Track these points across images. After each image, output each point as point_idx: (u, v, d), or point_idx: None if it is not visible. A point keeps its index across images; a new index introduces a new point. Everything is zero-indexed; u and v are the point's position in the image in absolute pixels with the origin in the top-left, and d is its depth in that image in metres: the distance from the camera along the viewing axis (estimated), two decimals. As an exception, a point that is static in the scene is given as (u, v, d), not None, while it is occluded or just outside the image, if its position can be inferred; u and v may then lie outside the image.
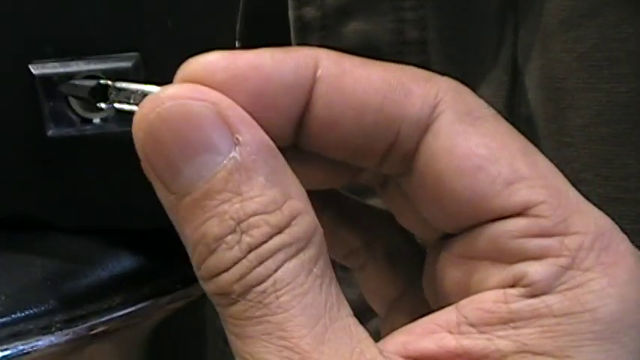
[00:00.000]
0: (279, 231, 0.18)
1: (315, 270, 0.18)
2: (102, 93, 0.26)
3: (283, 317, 0.18)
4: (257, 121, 0.19)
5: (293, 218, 0.19)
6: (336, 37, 0.33)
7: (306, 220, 0.19)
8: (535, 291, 0.19)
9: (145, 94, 0.21)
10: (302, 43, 0.33)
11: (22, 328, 0.28)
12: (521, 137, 0.20)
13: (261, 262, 0.18)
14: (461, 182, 0.19)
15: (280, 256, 0.18)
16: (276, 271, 0.18)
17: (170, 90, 0.18)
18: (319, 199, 0.24)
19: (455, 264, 0.21)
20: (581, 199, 0.20)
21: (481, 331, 0.19)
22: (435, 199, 0.20)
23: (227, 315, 0.19)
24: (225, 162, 0.18)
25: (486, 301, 0.19)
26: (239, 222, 0.18)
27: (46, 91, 0.30)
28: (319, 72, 0.20)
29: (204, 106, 0.18)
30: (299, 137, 0.20)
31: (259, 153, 0.18)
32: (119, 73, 0.29)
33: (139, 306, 0.30)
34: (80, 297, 0.29)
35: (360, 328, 0.19)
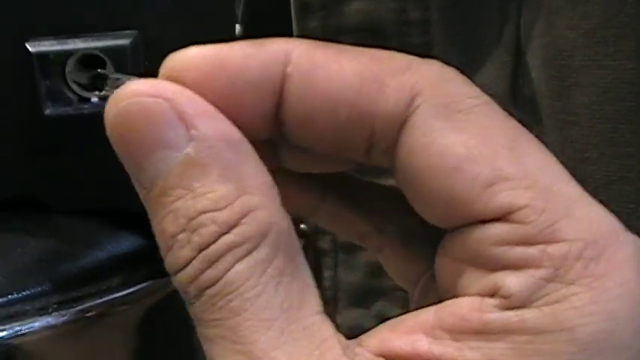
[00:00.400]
0: (227, 230, 0.18)
1: (269, 270, 0.18)
2: (100, 82, 0.26)
3: (235, 322, 0.17)
4: (229, 115, 0.18)
5: (244, 216, 0.18)
6: (337, 17, 0.33)
7: (260, 216, 0.18)
8: (512, 303, 0.18)
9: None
10: (302, 23, 0.33)
11: (18, 309, 0.27)
12: (511, 129, 0.19)
13: (211, 264, 0.18)
14: (437, 183, 0.18)
15: (229, 257, 0.18)
16: (226, 273, 0.18)
17: (129, 87, 0.18)
18: (321, 184, 0.23)
19: (444, 261, 0.20)
20: (578, 198, 0.18)
21: (454, 338, 0.18)
22: (416, 196, 0.19)
23: (191, 314, 0.18)
24: (180, 158, 0.18)
25: (463, 308, 0.18)
26: (189, 220, 0.18)
27: (43, 69, 0.29)
28: (289, 68, 0.19)
29: (158, 102, 0.18)
30: (281, 130, 0.20)
31: (215, 147, 0.18)
32: (117, 51, 0.29)
33: (137, 287, 0.29)
34: (78, 278, 0.29)
35: (326, 327, 0.18)
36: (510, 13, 0.30)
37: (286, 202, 0.22)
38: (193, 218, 0.18)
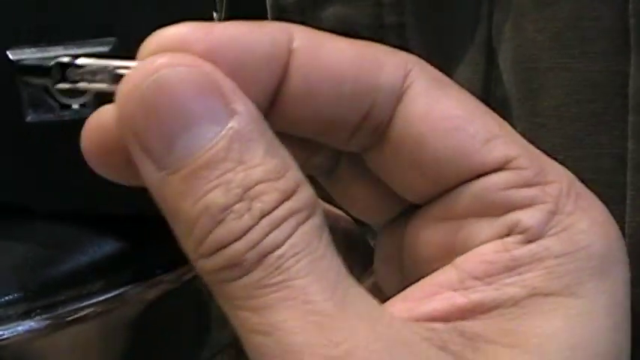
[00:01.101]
0: (289, 197, 0.18)
1: (324, 236, 0.18)
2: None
3: (305, 281, 0.17)
4: None
5: (298, 185, 0.18)
6: (314, 21, 0.33)
7: (309, 188, 0.19)
8: (531, 237, 0.20)
9: (114, 70, 0.20)
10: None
11: (1, 313, 0.28)
12: (479, 101, 0.21)
13: (275, 228, 0.18)
14: (442, 142, 0.20)
15: (293, 221, 0.18)
16: (290, 235, 0.18)
17: (163, 58, 0.18)
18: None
19: (432, 229, 0.21)
20: (542, 153, 0.21)
21: (487, 282, 0.19)
22: (414, 163, 0.20)
23: (238, 288, 0.18)
24: (223, 132, 0.18)
25: (486, 253, 0.20)
26: (246, 190, 0.18)
27: (24, 76, 0.30)
28: (295, 44, 0.19)
29: (201, 74, 0.18)
30: (270, 112, 0.20)
31: (255, 124, 0.18)
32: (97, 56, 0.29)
33: (119, 291, 0.30)
34: (60, 282, 0.29)
35: (369, 295, 0.19)
36: (482, 14, 0.30)
37: None
38: (251, 187, 0.18)
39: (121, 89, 0.18)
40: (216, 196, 0.18)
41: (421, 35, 0.32)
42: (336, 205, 0.28)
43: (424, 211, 0.21)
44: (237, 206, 0.18)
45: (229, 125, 0.18)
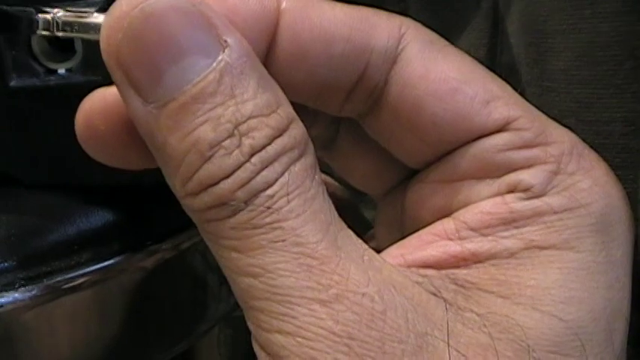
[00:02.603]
0: (280, 133, 0.17)
1: (316, 177, 0.18)
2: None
3: (296, 222, 0.17)
4: None
5: (290, 122, 0.18)
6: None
7: (301, 125, 0.18)
8: (533, 194, 0.20)
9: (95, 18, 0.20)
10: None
11: (-16, 284, 0.27)
12: (477, 62, 0.21)
13: (266, 166, 0.17)
14: (440, 105, 0.20)
15: (285, 159, 0.17)
16: (282, 174, 0.17)
17: None
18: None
19: (432, 192, 0.21)
20: (544, 115, 0.21)
21: (483, 233, 0.19)
22: (412, 127, 0.20)
23: (226, 228, 0.17)
24: (214, 64, 0.17)
25: (486, 206, 0.20)
26: (237, 125, 0.17)
27: (8, 40, 0.28)
28: (284, 4, 0.19)
29: (191, 4, 0.17)
30: (270, 70, 0.19)
31: (247, 57, 0.17)
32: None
33: (107, 262, 0.29)
34: (46, 253, 0.28)
35: (360, 240, 0.18)
36: None
37: None
38: (242, 123, 0.17)
39: (107, 20, 0.17)
40: (206, 131, 0.17)
41: (424, 0, 0.30)
42: (332, 176, 0.27)
43: (424, 175, 0.21)
44: (227, 142, 0.17)
45: (220, 58, 0.17)
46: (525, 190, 0.20)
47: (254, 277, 0.17)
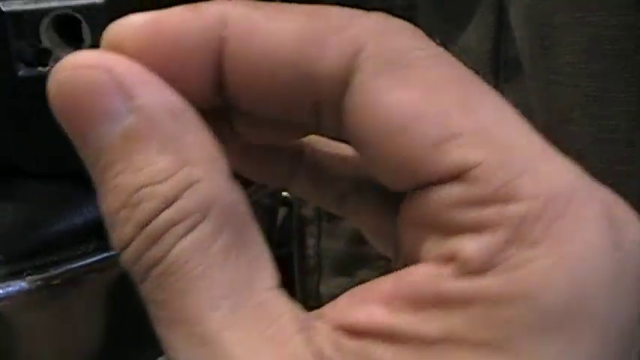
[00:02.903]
0: (168, 205, 0.16)
1: (214, 247, 0.17)
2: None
3: (182, 303, 0.16)
4: (172, 84, 0.17)
5: (185, 189, 0.17)
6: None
7: (203, 189, 0.17)
8: (469, 270, 0.16)
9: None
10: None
11: (-8, 273, 0.27)
12: (463, 81, 0.17)
13: (153, 242, 0.16)
14: (386, 145, 0.17)
15: (171, 234, 0.16)
16: (169, 251, 0.16)
17: (69, 59, 0.17)
18: (292, 154, 0.22)
19: (408, 225, 0.18)
20: (538, 152, 0.16)
21: (412, 309, 0.16)
22: (368, 159, 0.18)
23: (142, 295, 0.17)
24: (118, 130, 0.17)
25: (419, 277, 0.17)
26: (129, 195, 0.16)
27: (16, 29, 0.29)
28: (226, 31, 0.18)
29: (97, 73, 0.17)
30: (226, 97, 0.19)
31: (155, 117, 0.17)
32: (90, 9, 0.28)
33: (113, 252, 0.29)
34: (53, 243, 0.28)
35: (280, 302, 0.17)
36: None
37: (257, 174, 0.21)
38: (133, 193, 0.16)
39: (48, 85, 0.18)
40: (110, 201, 0.17)
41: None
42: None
43: (403, 203, 0.18)
44: (122, 213, 0.16)
45: (126, 123, 0.17)
46: (462, 263, 0.16)
47: (166, 352, 0.17)
